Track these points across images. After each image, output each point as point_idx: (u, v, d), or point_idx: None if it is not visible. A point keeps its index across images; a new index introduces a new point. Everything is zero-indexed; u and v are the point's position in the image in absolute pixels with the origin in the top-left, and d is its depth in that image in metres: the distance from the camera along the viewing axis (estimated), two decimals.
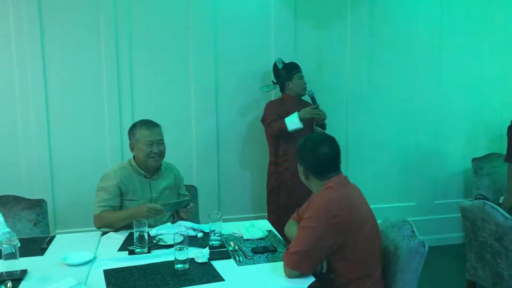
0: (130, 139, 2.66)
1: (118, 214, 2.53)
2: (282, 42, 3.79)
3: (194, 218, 3.02)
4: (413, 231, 2.16)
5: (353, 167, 4.01)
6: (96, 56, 3.49)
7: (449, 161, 4.24)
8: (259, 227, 2.51)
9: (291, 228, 2.25)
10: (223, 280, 1.94)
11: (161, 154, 2.63)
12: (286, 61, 3.55)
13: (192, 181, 3.51)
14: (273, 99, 3.68)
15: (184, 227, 2.48)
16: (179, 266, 2.03)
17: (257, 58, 3.78)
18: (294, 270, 1.94)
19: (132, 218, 2.32)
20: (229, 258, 2.17)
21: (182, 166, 3.40)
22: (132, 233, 2.27)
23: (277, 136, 3.43)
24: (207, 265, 2.08)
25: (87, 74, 3.51)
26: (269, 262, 2.13)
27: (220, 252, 2.23)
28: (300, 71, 3.52)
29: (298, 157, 2.15)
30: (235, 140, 3.80)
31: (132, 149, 2.66)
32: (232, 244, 2.32)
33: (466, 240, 2.83)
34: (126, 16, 3.51)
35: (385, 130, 4.08)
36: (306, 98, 3.53)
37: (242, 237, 2.42)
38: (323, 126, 3.56)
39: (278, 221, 3.32)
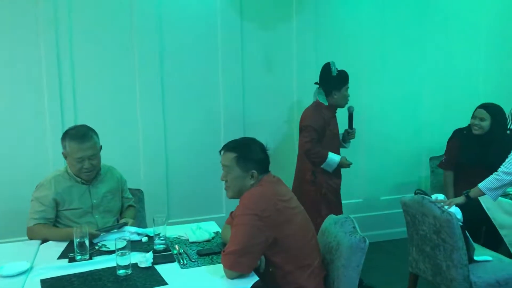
0: (63, 147, 2.52)
1: (53, 232, 2.43)
2: (228, 43, 3.78)
3: (140, 222, 2.98)
4: (354, 227, 2.22)
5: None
6: (36, 56, 3.35)
7: (404, 159, 4.37)
8: (205, 229, 2.50)
9: (226, 232, 2.26)
10: (166, 284, 1.92)
11: (94, 168, 2.52)
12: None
13: (140, 184, 3.44)
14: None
15: (128, 232, 2.43)
16: (121, 271, 1.99)
17: (204, 59, 3.75)
18: (233, 270, 1.95)
19: (67, 238, 2.32)
20: (173, 261, 2.15)
21: (129, 169, 3.37)
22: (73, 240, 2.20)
23: (307, 158, 3.33)
24: (150, 270, 2.05)
25: (25, 75, 3.36)
26: (214, 264, 2.12)
27: (164, 256, 2.20)
28: (348, 83, 3.38)
29: (246, 164, 2.12)
30: (184, 141, 3.75)
31: (65, 157, 2.53)
32: (177, 247, 2.29)
33: (408, 234, 2.93)
34: (67, 16, 3.38)
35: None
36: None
37: (188, 240, 2.40)
38: (348, 145, 3.61)
39: None
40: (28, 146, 3.41)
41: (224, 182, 2.20)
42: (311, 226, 2.21)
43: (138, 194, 3.04)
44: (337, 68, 3.38)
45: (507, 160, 2.62)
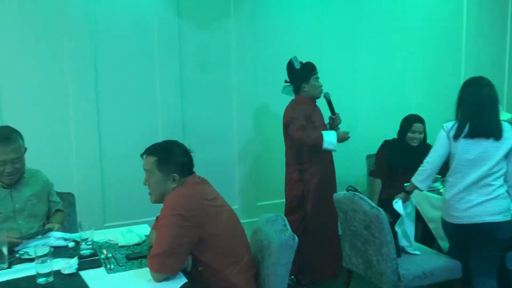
0: None
1: None
2: (165, 42, 3.72)
3: (71, 226, 2.87)
4: (284, 225, 2.24)
5: (244, 167, 4.08)
6: None
7: (341, 157, 4.43)
8: (136, 233, 2.44)
9: (153, 236, 2.21)
10: None
11: (17, 171, 2.41)
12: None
13: (72, 187, 3.31)
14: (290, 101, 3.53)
15: (53, 238, 2.34)
16: (41, 280, 1.91)
17: (140, 59, 3.66)
18: (160, 273, 1.93)
19: None
20: (100, 266, 2.09)
21: (61, 172, 3.25)
22: None
23: (306, 146, 3.32)
24: (74, 276, 1.98)
25: None
26: (143, 267, 2.08)
27: (91, 261, 2.14)
28: (317, 72, 3.41)
29: (166, 168, 2.09)
30: (119, 142, 3.64)
31: None
32: (104, 251, 2.23)
33: (341, 230, 3.00)
34: None
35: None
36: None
37: (117, 244, 2.34)
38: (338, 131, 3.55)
39: (306, 231, 3.36)
40: None
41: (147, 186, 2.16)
42: (239, 224, 2.22)
43: (68, 198, 2.93)
44: (301, 62, 3.42)
45: (430, 151, 2.74)
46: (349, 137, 3.47)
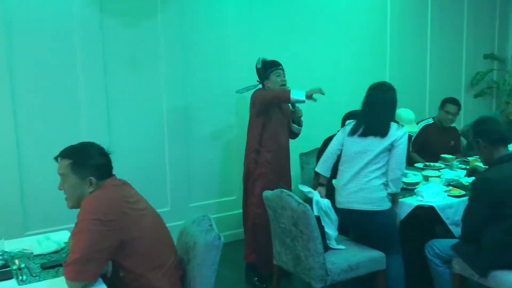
0: None
1: None
2: (88, 41, 3.56)
3: None
4: (211, 225, 2.20)
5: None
6: None
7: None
8: (54, 240, 2.31)
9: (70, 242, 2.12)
10: None
11: None
12: None
13: None
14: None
15: None
16: None
17: (61, 58, 3.49)
18: (77, 281, 1.82)
19: None
20: (11, 278, 1.95)
21: None
22: None
23: (270, 104, 3.36)
24: None
25: None
26: (59, 276, 1.96)
27: (1, 273, 1.98)
28: (278, 68, 3.47)
29: (81, 171, 1.99)
30: (39, 145, 3.42)
31: None
32: (17, 262, 2.08)
33: (272, 228, 3.00)
34: None
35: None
36: None
37: (32, 253, 2.20)
38: (299, 123, 3.62)
39: (258, 214, 3.39)
40: None
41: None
42: (164, 226, 2.15)
43: None
44: (264, 60, 3.50)
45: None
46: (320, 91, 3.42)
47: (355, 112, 3.82)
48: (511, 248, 2.46)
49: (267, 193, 2.95)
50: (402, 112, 3.95)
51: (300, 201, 2.68)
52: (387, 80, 5.08)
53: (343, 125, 3.82)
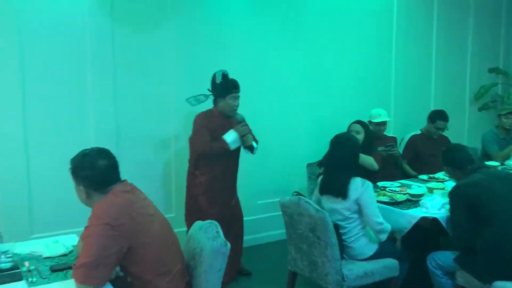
0: None
1: None
2: (98, 48, 3.61)
3: None
4: (217, 232, 2.23)
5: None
6: None
7: (282, 165, 4.49)
8: (63, 243, 2.34)
9: (80, 246, 2.14)
10: None
11: None
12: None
13: None
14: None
15: None
16: None
17: (72, 65, 3.54)
18: (86, 285, 1.85)
19: None
20: (21, 280, 1.98)
21: None
22: None
23: (213, 154, 3.34)
24: None
25: None
26: (68, 279, 1.99)
27: (10, 274, 2.02)
28: (237, 92, 3.38)
29: (76, 178, 2.05)
30: (49, 150, 3.47)
31: None
32: (26, 264, 2.11)
33: (287, 234, 3.04)
34: None
35: None
36: None
37: (41, 256, 2.23)
38: (251, 148, 3.47)
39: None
40: None
41: None
42: (172, 233, 2.18)
43: None
44: (226, 75, 3.38)
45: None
46: (247, 126, 3.42)
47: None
48: (504, 249, 2.52)
49: (283, 200, 2.98)
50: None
51: (318, 208, 2.74)
52: (391, 93, 5.18)
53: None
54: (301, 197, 2.84)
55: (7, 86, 3.33)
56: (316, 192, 3.06)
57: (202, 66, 4.02)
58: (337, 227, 2.81)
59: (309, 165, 4.18)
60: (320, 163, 3.95)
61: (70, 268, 2.08)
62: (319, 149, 4.06)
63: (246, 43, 4.25)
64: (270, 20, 4.37)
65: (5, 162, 3.34)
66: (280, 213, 3.05)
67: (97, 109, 3.66)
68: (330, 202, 2.90)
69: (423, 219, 2.99)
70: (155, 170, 3.95)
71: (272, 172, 4.45)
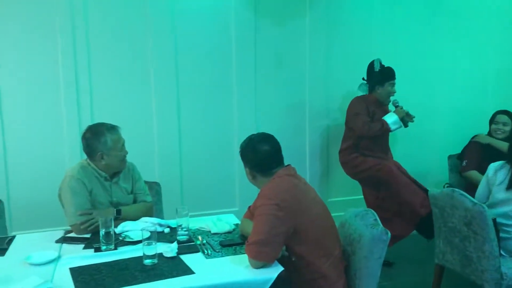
0: (97, 147, 2.45)
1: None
2: (242, 40, 3.82)
3: (158, 214, 2.99)
4: (375, 220, 2.24)
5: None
6: (53, 56, 3.41)
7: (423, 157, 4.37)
8: (226, 221, 2.52)
9: (245, 225, 2.31)
10: (193, 273, 1.95)
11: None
12: None
13: (154, 177, 3.46)
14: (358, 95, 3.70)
15: (150, 223, 2.45)
16: (148, 261, 2.01)
17: (218, 56, 3.79)
18: (257, 260, 1.98)
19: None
20: (198, 251, 2.18)
21: (144, 163, 3.37)
22: (95, 231, 2.25)
23: (373, 135, 3.51)
24: (176, 259, 2.08)
25: (43, 73, 3.42)
26: (238, 254, 2.15)
27: (188, 246, 2.23)
28: (394, 79, 3.57)
29: (243, 160, 2.25)
30: (197, 138, 3.78)
31: (101, 157, 2.47)
32: (200, 238, 2.32)
33: (436, 226, 2.95)
34: (82, 16, 3.43)
35: None
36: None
37: (210, 231, 2.43)
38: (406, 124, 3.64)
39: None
40: (45, 143, 3.47)
41: None
42: (330, 217, 2.24)
43: (155, 187, 3.05)
44: (383, 65, 3.57)
45: None
46: (406, 112, 3.56)
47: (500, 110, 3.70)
48: None
49: (434, 192, 2.90)
50: None
51: (476, 201, 2.60)
52: None
53: (489, 122, 3.78)
54: (455, 189, 2.72)
55: (164, 81, 3.67)
56: (484, 185, 2.88)
57: (336, 58, 4.04)
58: (495, 222, 2.65)
59: (450, 157, 3.99)
60: (463, 168, 3.76)
61: (237, 244, 2.25)
62: (459, 141, 3.91)
63: (384, 38, 4.16)
64: (410, 18, 4.25)
65: (163, 150, 3.70)
66: None
67: (240, 97, 3.87)
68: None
69: None
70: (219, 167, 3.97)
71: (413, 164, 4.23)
